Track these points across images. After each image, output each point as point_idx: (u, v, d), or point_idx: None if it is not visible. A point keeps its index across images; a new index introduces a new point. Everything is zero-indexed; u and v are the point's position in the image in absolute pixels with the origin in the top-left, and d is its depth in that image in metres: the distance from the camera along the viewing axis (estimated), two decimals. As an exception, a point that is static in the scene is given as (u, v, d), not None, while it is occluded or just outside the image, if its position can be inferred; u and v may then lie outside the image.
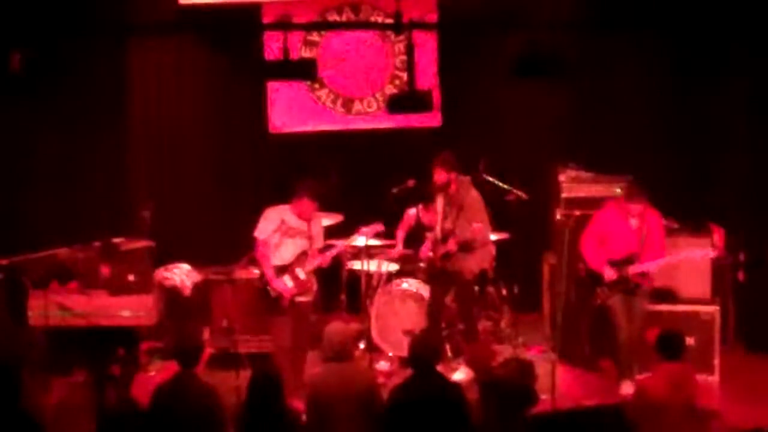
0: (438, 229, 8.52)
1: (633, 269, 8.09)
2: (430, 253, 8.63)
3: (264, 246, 8.09)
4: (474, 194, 8.44)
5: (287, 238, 8.11)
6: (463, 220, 8.31)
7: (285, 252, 8.12)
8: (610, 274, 8.13)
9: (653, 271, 8.13)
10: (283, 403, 6.04)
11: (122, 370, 7.77)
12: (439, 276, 8.61)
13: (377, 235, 8.85)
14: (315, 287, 8.35)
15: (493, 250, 8.90)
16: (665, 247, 8.20)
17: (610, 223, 8.23)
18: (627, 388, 8.10)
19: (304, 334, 8.16)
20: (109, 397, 7.37)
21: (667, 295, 8.62)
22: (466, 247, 8.30)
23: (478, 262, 8.56)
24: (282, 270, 8.12)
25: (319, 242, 8.31)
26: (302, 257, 8.14)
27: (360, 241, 8.78)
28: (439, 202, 8.51)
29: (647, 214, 8.16)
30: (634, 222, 8.13)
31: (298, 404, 6.50)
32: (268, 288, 8.10)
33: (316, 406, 6.27)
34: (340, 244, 8.56)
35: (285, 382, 6.21)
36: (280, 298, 8.09)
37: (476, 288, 9.10)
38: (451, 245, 8.28)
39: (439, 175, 8.36)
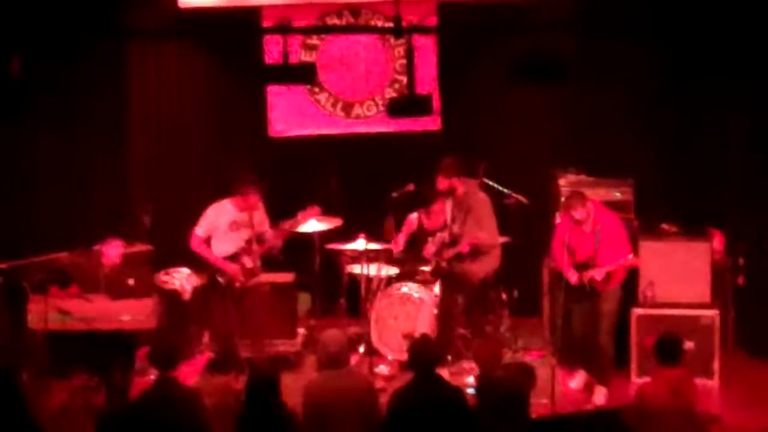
0: (447, 232, 8.57)
1: (586, 275, 8.02)
2: (434, 249, 8.68)
3: (199, 240, 8.32)
4: (482, 197, 8.54)
5: (232, 232, 8.36)
6: (471, 222, 8.37)
7: (230, 244, 8.36)
8: (572, 277, 8.06)
9: (600, 278, 8.00)
10: (281, 405, 6.04)
11: (121, 374, 7.76)
12: (447, 277, 8.66)
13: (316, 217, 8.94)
14: (261, 274, 8.58)
15: (499, 254, 8.75)
16: (625, 247, 8.08)
17: (567, 228, 8.15)
18: (599, 396, 8.11)
19: (261, 318, 8.43)
20: (108, 401, 7.37)
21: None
22: (476, 251, 8.36)
23: (484, 267, 8.58)
24: (230, 260, 8.37)
25: (264, 226, 8.53)
26: (247, 247, 8.38)
27: (311, 225, 9.01)
28: (448, 205, 8.60)
29: (599, 218, 8.07)
30: (586, 227, 8.07)
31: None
32: (217, 275, 8.35)
33: (313, 414, 6.25)
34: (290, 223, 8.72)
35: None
36: (231, 284, 8.31)
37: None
38: (464, 247, 8.35)
39: (441, 183, 8.47)
